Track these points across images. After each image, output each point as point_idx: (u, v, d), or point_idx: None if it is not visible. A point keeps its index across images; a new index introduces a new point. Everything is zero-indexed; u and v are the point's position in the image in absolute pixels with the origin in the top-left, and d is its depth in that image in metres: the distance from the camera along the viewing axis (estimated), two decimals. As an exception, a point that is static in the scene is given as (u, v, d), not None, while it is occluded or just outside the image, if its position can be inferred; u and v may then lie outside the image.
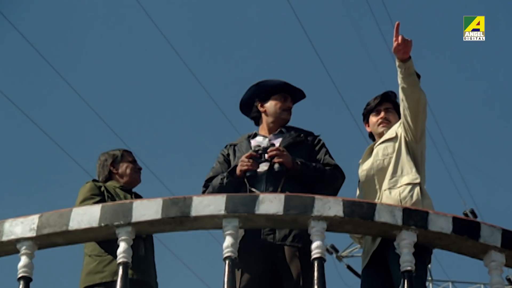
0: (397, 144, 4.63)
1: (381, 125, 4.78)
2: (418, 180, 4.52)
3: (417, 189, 4.49)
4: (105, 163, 5.07)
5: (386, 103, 4.82)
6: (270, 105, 4.79)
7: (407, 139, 4.61)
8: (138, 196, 5.02)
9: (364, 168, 4.69)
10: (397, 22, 4.45)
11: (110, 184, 4.99)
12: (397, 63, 4.49)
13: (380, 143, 4.70)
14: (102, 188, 4.89)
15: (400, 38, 4.43)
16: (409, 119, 4.55)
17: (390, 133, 4.70)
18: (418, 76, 4.53)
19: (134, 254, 4.51)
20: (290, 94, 4.83)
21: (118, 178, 5.03)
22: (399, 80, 4.51)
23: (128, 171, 5.04)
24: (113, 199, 4.82)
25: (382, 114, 4.79)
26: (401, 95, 4.55)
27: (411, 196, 4.46)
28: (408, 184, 4.51)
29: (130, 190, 5.02)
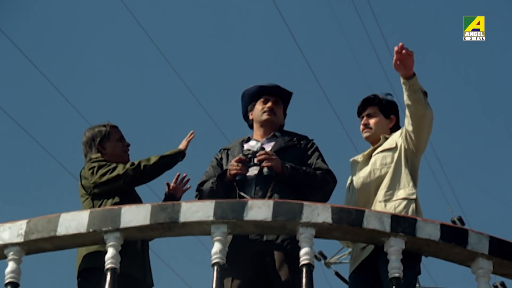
0: (396, 155, 4.61)
1: (363, 132, 4.80)
2: (414, 196, 4.50)
3: (412, 205, 4.47)
4: (93, 142, 4.82)
5: (370, 107, 4.81)
6: (255, 111, 4.84)
7: (408, 151, 4.59)
8: None
9: (361, 175, 4.66)
10: (400, 44, 4.33)
11: None
12: (401, 80, 4.44)
13: (379, 152, 4.67)
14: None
15: (400, 45, 4.33)
16: (412, 134, 4.54)
17: (389, 143, 4.68)
18: (425, 93, 4.48)
19: (131, 248, 4.45)
20: (277, 95, 4.84)
21: (107, 158, 4.79)
22: (404, 97, 4.47)
23: (117, 151, 4.83)
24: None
25: (363, 120, 4.80)
26: (406, 111, 4.53)
27: (406, 212, 4.45)
28: (404, 198, 4.49)
29: None
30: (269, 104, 4.80)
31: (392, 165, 4.59)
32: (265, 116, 4.78)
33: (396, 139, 4.67)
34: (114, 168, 4.67)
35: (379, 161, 4.63)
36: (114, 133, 4.87)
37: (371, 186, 4.60)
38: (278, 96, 4.84)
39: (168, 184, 4.99)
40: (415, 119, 4.49)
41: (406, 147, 4.60)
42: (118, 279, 3.93)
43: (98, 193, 4.67)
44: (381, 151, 4.67)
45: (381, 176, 4.59)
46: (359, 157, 4.82)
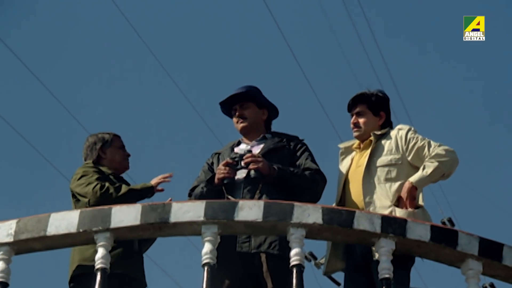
0: (403, 172, 4.60)
1: (353, 130, 4.79)
2: (422, 203, 4.58)
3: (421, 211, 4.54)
4: (94, 146, 4.93)
5: (359, 105, 4.79)
6: (234, 124, 4.88)
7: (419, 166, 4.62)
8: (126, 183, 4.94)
9: (368, 190, 4.60)
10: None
11: (103, 169, 4.85)
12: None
13: (381, 166, 4.62)
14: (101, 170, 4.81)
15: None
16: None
17: (394, 158, 4.64)
18: (450, 151, 4.62)
19: (129, 249, 4.50)
20: (240, 100, 4.82)
21: (106, 163, 4.92)
22: None
23: (117, 157, 4.94)
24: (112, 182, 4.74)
25: (353, 118, 4.80)
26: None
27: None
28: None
29: (121, 178, 4.92)
30: (238, 112, 4.83)
31: (399, 179, 4.58)
32: (239, 126, 4.82)
33: (401, 150, 4.63)
34: (88, 184, 4.69)
35: (383, 175, 4.60)
36: (116, 141, 4.98)
37: (379, 200, 4.56)
38: (242, 100, 4.83)
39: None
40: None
41: (413, 162, 4.62)
42: (117, 279, 3.93)
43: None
44: (384, 165, 4.63)
45: (386, 190, 4.56)
46: (348, 145, 4.81)
